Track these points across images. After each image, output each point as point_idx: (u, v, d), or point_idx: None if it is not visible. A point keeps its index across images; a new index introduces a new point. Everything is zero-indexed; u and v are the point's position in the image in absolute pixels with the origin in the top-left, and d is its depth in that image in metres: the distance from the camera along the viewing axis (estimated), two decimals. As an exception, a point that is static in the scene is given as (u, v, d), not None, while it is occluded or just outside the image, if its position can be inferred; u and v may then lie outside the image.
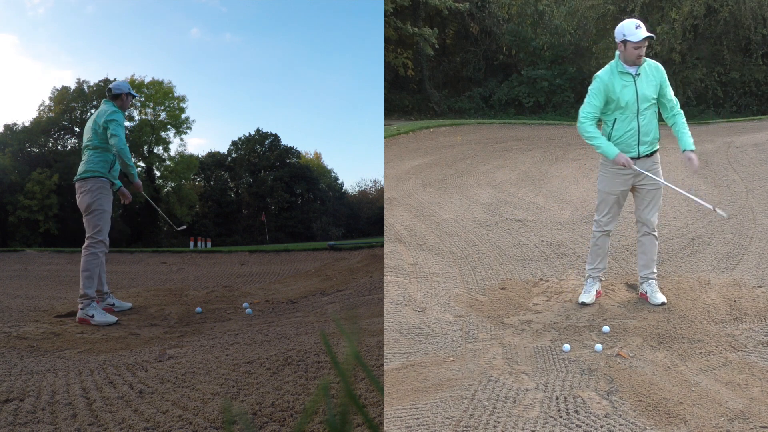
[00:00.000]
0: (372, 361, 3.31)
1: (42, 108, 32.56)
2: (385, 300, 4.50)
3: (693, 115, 17.06)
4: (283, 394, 2.74)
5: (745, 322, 3.87)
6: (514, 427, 2.82)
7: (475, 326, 4.01)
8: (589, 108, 4.25)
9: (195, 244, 21.60)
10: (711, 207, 4.21)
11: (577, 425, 2.81)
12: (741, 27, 17.55)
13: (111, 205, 5.41)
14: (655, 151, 4.31)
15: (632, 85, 4.20)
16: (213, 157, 40.54)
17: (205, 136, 60.11)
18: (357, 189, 48.48)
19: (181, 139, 46.71)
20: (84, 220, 5.32)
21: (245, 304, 5.59)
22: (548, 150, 11.31)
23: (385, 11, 17.68)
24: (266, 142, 40.86)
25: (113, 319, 5.05)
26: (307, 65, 54.63)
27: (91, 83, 32.49)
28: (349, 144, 60.67)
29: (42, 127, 31.49)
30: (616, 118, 4.25)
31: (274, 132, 41.09)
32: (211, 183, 39.89)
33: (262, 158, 40.24)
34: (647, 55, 4.29)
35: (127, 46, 47.28)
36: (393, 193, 8.14)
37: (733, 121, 15.13)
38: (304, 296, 6.14)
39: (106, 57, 46.35)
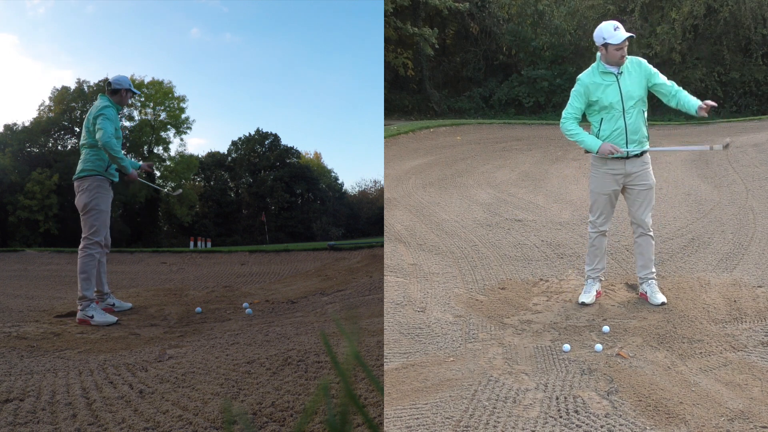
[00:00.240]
0: (372, 361, 3.31)
1: (42, 108, 32.61)
2: (385, 300, 4.50)
3: (693, 115, 17.04)
4: (283, 394, 2.74)
5: (745, 322, 3.87)
6: (514, 427, 2.82)
7: (475, 326, 4.01)
8: (570, 109, 4.32)
9: (195, 244, 21.61)
10: (707, 147, 4.21)
11: (577, 425, 2.81)
12: (741, 27, 17.56)
13: (109, 204, 5.34)
14: (645, 151, 4.31)
15: (615, 84, 4.21)
16: (213, 157, 40.55)
17: (205, 136, 60.18)
18: (357, 189, 48.54)
19: (181, 139, 46.81)
20: (81, 220, 5.24)
21: (245, 304, 5.59)
22: (548, 150, 11.31)
23: (385, 11, 17.69)
24: (266, 142, 40.88)
25: (113, 319, 5.04)
26: (307, 65, 54.70)
27: (91, 83, 32.52)
28: (349, 144, 60.74)
29: (42, 127, 31.49)
30: (602, 118, 4.27)
31: (274, 132, 41.17)
32: (211, 183, 39.90)
33: (262, 158, 40.25)
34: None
35: (127, 46, 47.32)
36: (393, 193, 8.14)
37: (733, 121, 15.13)
38: (304, 296, 6.14)
39: (106, 57, 46.37)
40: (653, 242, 4.41)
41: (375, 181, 47.24)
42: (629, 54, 4.29)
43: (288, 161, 40.49)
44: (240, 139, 41.19)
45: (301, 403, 2.61)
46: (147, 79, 33.75)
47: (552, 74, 19.13)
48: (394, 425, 2.88)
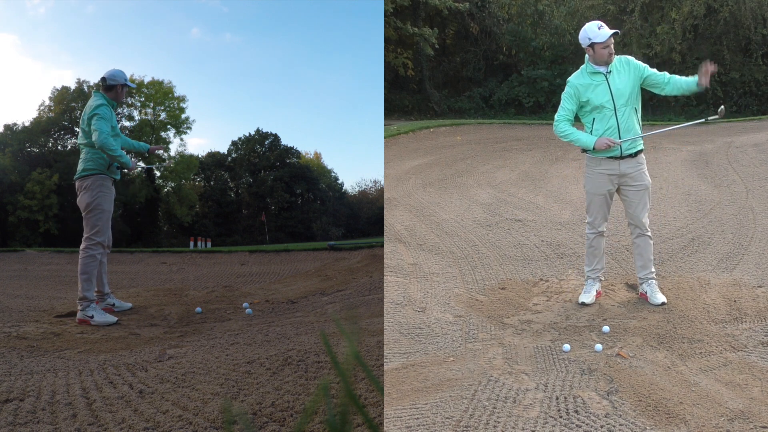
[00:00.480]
0: (372, 361, 3.31)
1: (42, 108, 32.60)
2: (385, 300, 4.50)
3: (693, 115, 17.07)
4: (283, 394, 2.74)
5: (745, 322, 3.87)
6: (514, 427, 2.82)
7: (475, 326, 4.01)
8: (562, 111, 4.36)
9: (195, 244, 21.63)
10: (704, 119, 4.23)
11: (577, 425, 2.81)
12: (741, 27, 17.57)
13: (112, 204, 5.30)
14: (639, 152, 4.31)
15: (605, 83, 4.22)
16: (213, 157, 40.55)
17: (205, 136, 60.18)
18: (357, 189, 48.56)
19: (181, 139, 46.73)
20: (83, 220, 5.21)
21: (245, 304, 5.59)
22: (548, 150, 11.30)
23: (385, 11, 17.69)
24: (266, 142, 40.88)
25: (113, 319, 5.03)
26: (307, 65, 54.70)
27: (91, 83, 32.40)
28: (349, 144, 60.74)
29: (42, 127, 31.48)
30: (594, 118, 4.30)
31: (274, 132, 41.17)
32: (211, 183, 39.90)
33: (262, 158, 40.25)
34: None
35: (127, 46, 47.27)
36: (393, 193, 8.14)
37: (733, 121, 15.12)
38: (304, 296, 6.14)
39: (106, 57, 46.35)
40: (651, 242, 4.41)
41: (375, 181, 47.31)
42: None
43: (288, 161, 40.50)
44: (240, 139, 41.24)
45: (301, 403, 2.61)
46: (147, 79, 33.75)
47: (552, 74, 19.13)
48: (394, 425, 2.88)
